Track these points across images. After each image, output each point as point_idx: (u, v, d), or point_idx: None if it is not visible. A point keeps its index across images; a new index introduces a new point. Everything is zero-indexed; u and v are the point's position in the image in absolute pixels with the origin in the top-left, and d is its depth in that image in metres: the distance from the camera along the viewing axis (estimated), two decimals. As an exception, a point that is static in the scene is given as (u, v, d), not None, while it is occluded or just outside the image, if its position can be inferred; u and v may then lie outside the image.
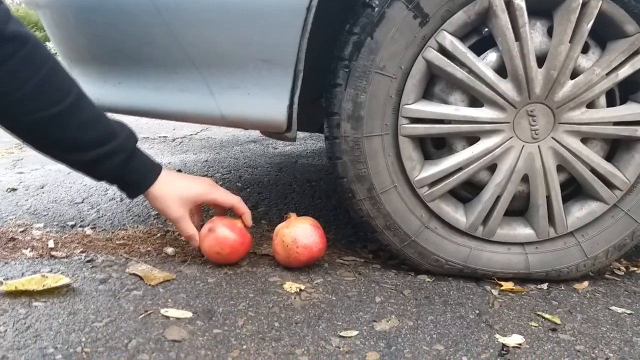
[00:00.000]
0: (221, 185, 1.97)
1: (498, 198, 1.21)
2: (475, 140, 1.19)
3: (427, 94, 1.20)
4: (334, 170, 1.24)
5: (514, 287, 1.23)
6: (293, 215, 1.30)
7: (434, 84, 1.20)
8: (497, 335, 1.03)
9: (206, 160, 2.39)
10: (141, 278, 1.19)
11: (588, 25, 1.10)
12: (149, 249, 1.37)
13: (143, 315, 1.03)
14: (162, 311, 1.05)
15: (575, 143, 1.18)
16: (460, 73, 1.14)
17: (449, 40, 1.13)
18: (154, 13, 1.16)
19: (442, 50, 1.14)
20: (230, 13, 1.12)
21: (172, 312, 1.05)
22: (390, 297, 1.17)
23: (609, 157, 1.23)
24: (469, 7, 1.11)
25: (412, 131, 1.19)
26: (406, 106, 1.17)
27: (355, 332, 1.02)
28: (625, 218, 1.23)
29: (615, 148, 1.23)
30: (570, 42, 1.10)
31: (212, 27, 1.14)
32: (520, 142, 1.18)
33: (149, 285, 1.16)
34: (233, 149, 2.67)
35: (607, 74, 1.13)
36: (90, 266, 1.24)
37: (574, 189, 1.26)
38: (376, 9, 1.12)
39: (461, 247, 1.25)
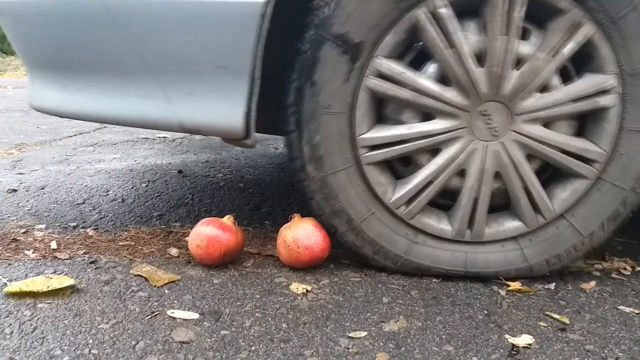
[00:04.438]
0: (223, 186, 1.96)
1: (476, 200, 1.21)
2: (439, 152, 1.19)
3: (381, 117, 1.21)
4: (312, 209, 1.25)
5: (521, 287, 1.23)
6: (297, 216, 1.29)
7: (385, 106, 1.20)
8: (507, 336, 1.02)
9: (207, 161, 2.38)
10: (146, 279, 1.18)
11: (519, 14, 1.09)
12: (152, 249, 1.35)
13: (149, 316, 1.02)
14: (169, 312, 1.04)
15: (537, 130, 1.16)
16: (404, 93, 1.14)
17: (384, 64, 1.13)
18: (108, 19, 1.15)
19: (381, 75, 1.14)
20: (184, 19, 1.12)
21: (179, 314, 1.04)
22: (398, 297, 1.16)
23: (582, 132, 1.21)
24: (396, 28, 1.12)
25: (373, 158, 1.19)
26: (361, 137, 1.18)
27: (364, 333, 1.01)
28: (612, 188, 1.21)
29: (584, 122, 1.21)
30: (505, 34, 1.10)
31: (167, 33, 1.13)
32: (482, 143, 1.17)
33: (154, 286, 1.15)
34: (234, 149, 2.66)
35: (553, 56, 1.12)
36: (94, 267, 1.23)
37: (554, 172, 1.25)
38: (308, 52, 1.14)
39: (456, 253, 1.25)
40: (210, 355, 0.91)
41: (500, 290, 1.22)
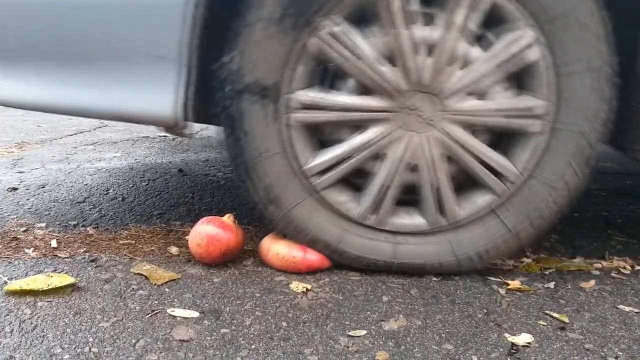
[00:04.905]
0: (224, 185, 1.96)
1: (438, 188, 1.21)
2: (385, 156, 1.20)
3: (322, 141, 1.23)
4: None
5: (521, 286, 1.23)
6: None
7: (322, 130, 1.22)
8: (506, 334, 1.02)
9: (207, 160, 2.38)
10: (146, 277, 1.18)
11: (412, 5, 1.10)
12: (152, 248, 1.36)
13: (150, 315, 1.03)
14: (169, 311, 1.04)
15: (472, 105, 1.16)
16: (330, 115, 1.17)
17: (303, 95, 1.17)
18: (43, 6, 1.15)
19: (305, 106, 1.17)
20: (116, 6, 1.13)
21: (179, 312, 1.04)
22: (398, 296, 1.16)
23: (523, 90, 1.20)
24: (302, 59, 1.15)
25: (326, 182, 1.21)
26: (307, 167, 1.20)
27: (363, 332, 1.01)
28: (570, 134, 1.19)
29: (522, 80, 1.20)
30: (406, 28, 1.11)
31: (100, 21, 1.14)
32: (422, 135, 1.18)
33: (154, 284, 1.15)
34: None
35: (461, 32, 1.12)
36: (95, 266, 1.23)
37: (510, 136, 1.24)
38: (231, 107, 1.18)
39: (442, 244, 1.25)
40: (210, 353, 0.91)
41: (499, 289, 1.22)
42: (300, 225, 1.23)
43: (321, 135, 1.23)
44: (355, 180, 1.25)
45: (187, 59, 1.13)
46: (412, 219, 1.25)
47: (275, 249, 1.25)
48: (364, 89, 1.17)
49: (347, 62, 1.14)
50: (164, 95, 1.16)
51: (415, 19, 1.11)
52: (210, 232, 1.23)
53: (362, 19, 1.15)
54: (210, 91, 1.22)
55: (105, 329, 0.97)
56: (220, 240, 1.23)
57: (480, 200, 1.24)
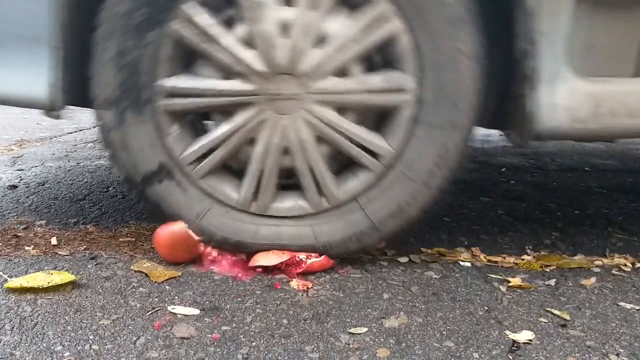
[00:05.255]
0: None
1: (362, 146, 1.21)
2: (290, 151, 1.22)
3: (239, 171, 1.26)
4: None
5: (522, 284, 1.23)
6: None
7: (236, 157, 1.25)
8: (507, 332, 1.02)
9: (207, 157, 2.38)
10: (146, 275, 1.18)
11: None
12: (152, 245, 1.35)
13: (150, 312, 1.03)
14: (169, 308, 1.04)
15: (328, 62, 1.15)
16: (222, 149, 1.21)
17: (192, 151, 1.21)
18: None
19: (199, 156, 1.22)
20: None
21: (180, 309, 1.04)
22: (398, 293, 1.16)
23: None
24: (174, 123, 1.21)
25: (265, 200, 1.23)
26: (240, 200, 1.23)
27: (364, 329, 1.01)
28: (444, 36, 1.16)
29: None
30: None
31: None
32: (278, 117, 1.19)
33: (155, 282, 1.15)
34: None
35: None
36: (95, 263, 1.23)
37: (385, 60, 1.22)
38: (151, 203, 1.24)
39: (406, 186, 1.23)
40: (211, 350, 0.91)
41: (500, 287, 1.22)
42: (278, 244, 1.25)
43: (236, 166, 1.27)
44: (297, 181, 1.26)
45: (61, 41, 1.14)
46: (360, 182, 1.24)
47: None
48: (226, 113, 1.20)
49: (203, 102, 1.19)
50: (40, 79, 1.16)
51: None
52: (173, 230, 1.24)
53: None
54: (89, 75, 1.22)
55: (105, 327, 0.97)
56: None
57: (401, 119, 1.21)
